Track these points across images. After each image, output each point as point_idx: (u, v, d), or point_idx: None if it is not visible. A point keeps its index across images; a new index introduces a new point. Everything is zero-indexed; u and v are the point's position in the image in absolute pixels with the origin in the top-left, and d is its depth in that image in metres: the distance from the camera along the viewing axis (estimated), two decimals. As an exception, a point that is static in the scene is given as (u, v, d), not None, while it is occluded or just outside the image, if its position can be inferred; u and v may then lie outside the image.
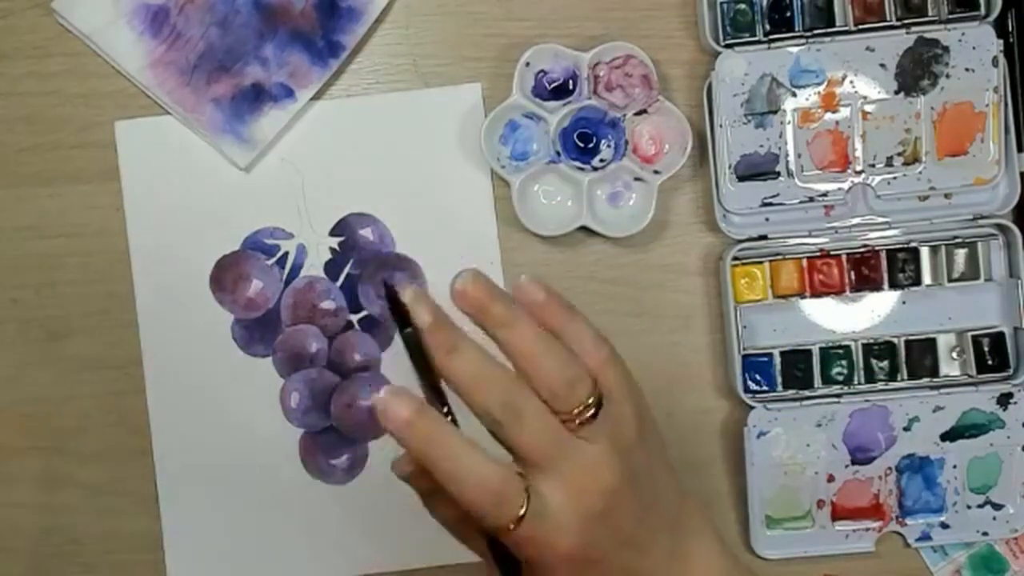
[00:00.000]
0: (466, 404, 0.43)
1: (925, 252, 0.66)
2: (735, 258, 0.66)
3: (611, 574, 0.45)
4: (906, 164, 0.65)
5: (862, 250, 0.66)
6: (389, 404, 0.42)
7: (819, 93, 0.65)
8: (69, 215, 0.67)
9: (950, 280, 0.66)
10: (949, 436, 0.66)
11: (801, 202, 0.65)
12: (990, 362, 0.66)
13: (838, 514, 0.66)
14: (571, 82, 0.66)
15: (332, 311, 0.68)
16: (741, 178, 0.65)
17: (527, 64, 0.65)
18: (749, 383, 0.66)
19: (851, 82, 0.65)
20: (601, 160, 0.66)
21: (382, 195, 0.67)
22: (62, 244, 0.67)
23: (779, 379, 0.66)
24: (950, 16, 0.64)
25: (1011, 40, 0.65)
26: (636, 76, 0.65)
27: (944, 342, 0.67)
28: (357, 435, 0.68)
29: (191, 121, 0.66)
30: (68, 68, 0.67)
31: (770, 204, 0.65)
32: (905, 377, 0.66)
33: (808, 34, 0.65)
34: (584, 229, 0.66)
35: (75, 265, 0.67)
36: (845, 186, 0.65)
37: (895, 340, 0.66)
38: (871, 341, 0.66)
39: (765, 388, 0.66)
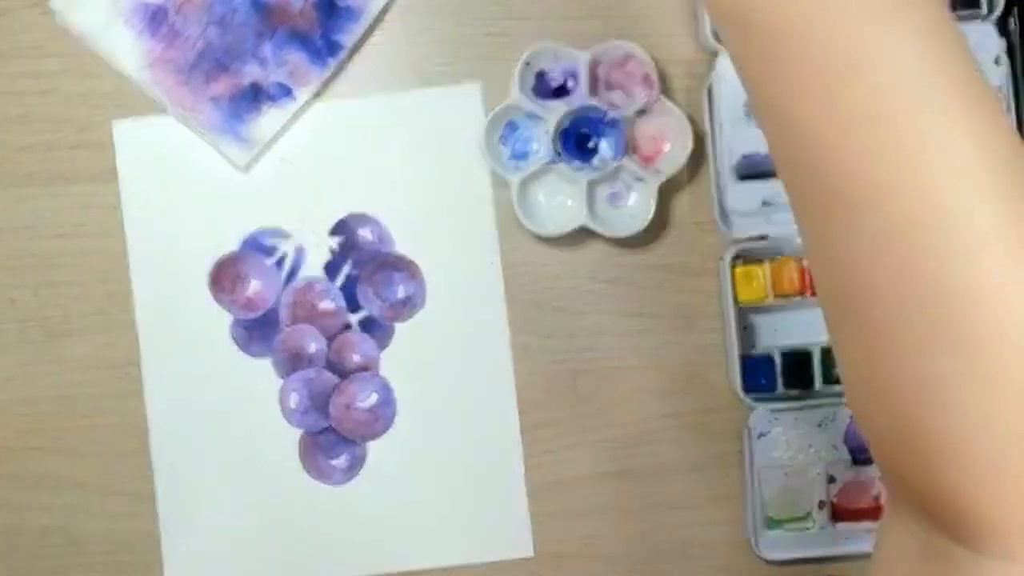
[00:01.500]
0: None
1: (926, 252, 0.66)
2: (735, 258, 0.66)
3: None
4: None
5: (863, 250, 0.66)
6: None
7: (820, 93, 0.65)
8: (67, 215, 0.67)
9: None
10: (950, 436, 0.66)
11: (802, 202, 0.65)
12: (991, 362, 0.66)
13: (839, 515, 0.66)
14: (571, 82, 0.65)
15: (331, 311, 0.67)
16: (741, 178, 0.65)
17: (527, 64, 0.65)
18: (749, 383, 0.66)
19: (852, 82, 0.65)
20: (601, 160, 0.66)
21: (382, 195, 0.67)
22: (60, 244, 0.67)
23: (779, 379, 0.66)
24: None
25: (1013, 40, 0.65)
26: (636, 76, 0.65)
27: (945, 342, 0.67)
28: (356, 435, 0.68)
29: (190, 120, 0.66)
30: (66, 67, 0.67)
31: (770, 204, 0.65)
32: (906, 377, 0.66)
33: (809, 33, 0.65)
34: (584, 229, 0.65)
35: (73, 265, 0.67)
36: (846, 186, 0.65)
37: (896, 340, 0.66)
38: (872, 341, 0.66)
39: (765, 388, 0.66)
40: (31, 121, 0.67)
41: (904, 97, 0.35)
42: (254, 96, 0.66)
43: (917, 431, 0.37)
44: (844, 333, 0.39)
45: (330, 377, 0.68)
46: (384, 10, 0.66)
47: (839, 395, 0.66)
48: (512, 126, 0.66)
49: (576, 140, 0.66)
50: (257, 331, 0.67)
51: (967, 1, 0.64)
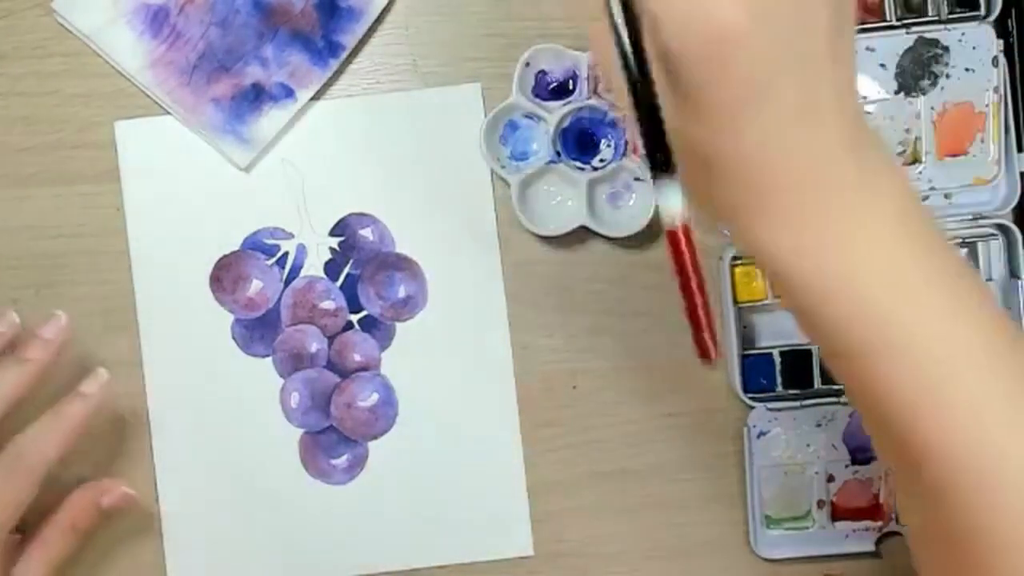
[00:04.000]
0: None
1: (925, 252, 0.66)
2: (735, 258, 0.66)
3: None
4: (906, 164, 0.65)
5: (862, 250, 0.66)
6: None
7: (819, 93, 0.65)
8: (69, 215, 0.67)
9: (950, 280, 0.66)
10: (949, 436, 0.66)
11: (801, 202, 0.65)
12: (990, 362, 0.66)
13: (838, 514, 0.66)
14: (571, 82, 0.66)
15: (332, 311, 0.68)
16: (741, 178, 0.65)
17: (527, 64, 0.65)
18: (749, 383, 0.66)
19: (851, 82, 0.65)
20: (601, 160, 0.66)
21: (382, 195, 0.67)
22: (62, 244, 0.67)
23: (779, 379, 0.66)
24: (950, 16, 0.64)
25: (1011, 40, 0.65)
26: (636, 76, 0.65)
27: (944, 342, 0.67)
28: (357, 435, 0.68)
29: (191, 121, 0.66)
30: (68, 68, 0.67)
31: (770, 204, 0.65)
32: (905, 377, 0.66)
33: (808, 34, 0.65)
34: (584, 229, 0.66)
35: (75, 265, 0.67)
36: (845, 186, 0.65)
37: (895, 340, 0.66)
38: (871, 341, 0.66)
39: (765, 388, 0.66)
40: (33, 122, 0.67)
41: (980, 421, 0.42)
42: (255, 97, 0.66)
43: None
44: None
45: (331, 377, 0.68)
46: (385, 11, 0.66)
47: (838, 394, 0.66)
48: (512, 126, 0.66)
49: (576, 140, 0.66)
50: (258, 331, 0.68)
51: (966, 1, 0.64)
